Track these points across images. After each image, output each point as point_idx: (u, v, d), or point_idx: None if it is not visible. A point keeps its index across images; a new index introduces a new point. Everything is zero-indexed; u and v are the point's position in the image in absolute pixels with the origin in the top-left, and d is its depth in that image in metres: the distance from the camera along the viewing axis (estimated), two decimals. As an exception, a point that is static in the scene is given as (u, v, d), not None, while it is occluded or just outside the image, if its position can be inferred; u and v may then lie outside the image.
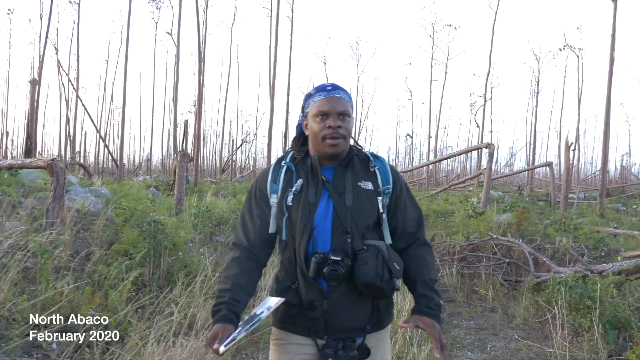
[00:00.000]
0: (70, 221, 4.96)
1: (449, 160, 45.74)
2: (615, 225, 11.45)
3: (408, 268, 1.52)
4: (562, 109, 43.66)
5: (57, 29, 33.16)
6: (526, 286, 4.93)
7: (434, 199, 16.85)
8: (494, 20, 24.27)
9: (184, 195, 9.23)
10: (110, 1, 75.51)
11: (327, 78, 39.99)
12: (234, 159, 32.60)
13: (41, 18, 34.27)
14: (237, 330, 1.35)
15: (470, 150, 14.85)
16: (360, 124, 44.06)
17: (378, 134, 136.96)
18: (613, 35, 17.73)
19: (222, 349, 1.28)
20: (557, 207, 15.62)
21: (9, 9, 44.33)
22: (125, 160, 37.36)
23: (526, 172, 29.00)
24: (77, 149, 34.36)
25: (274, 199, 1.52)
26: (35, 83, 19.07)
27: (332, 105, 1.47)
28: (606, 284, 3.99)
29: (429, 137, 36.40)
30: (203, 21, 25.37)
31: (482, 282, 5.43)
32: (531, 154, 34.75)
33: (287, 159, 1.58)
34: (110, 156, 25.94)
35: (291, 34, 25.79)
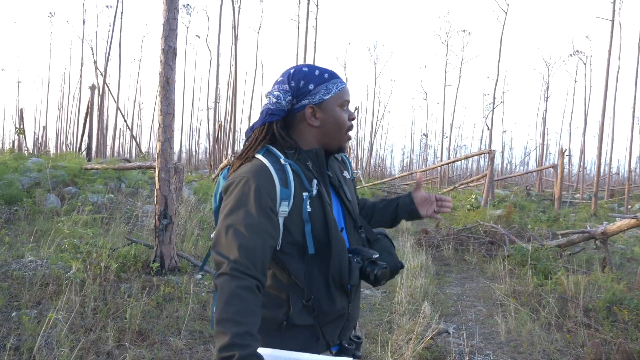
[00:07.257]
0: (192, 206, 7.37)
1: (462, 160, 47.84)
2: (605, 222, 13.62)
3: (380, 212, 1.56)
4: (572, 113, 45.28)
5: (96, 32, 35.94)
6: (499, 255, 7.18)
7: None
8: (502, 32, 26.32)
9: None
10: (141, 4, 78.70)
11: (347, 81, 42.28)
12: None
13: (84, 23, 37.09)
14: None
15: (474, 155, 17.08)
16: (377, 123, 46.31)
17: (393, 132, 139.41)
18: (609, 52, 19.71)
19: None
20: (562, 206, 17.62)
21: (50, 12, 47.50)
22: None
23: (536, 172, 30.93)
24: (109, 144, 37.21)
25: (284, 207, 1.20)
26: (94, 88, 21.75)
27: (349, 97, 1.34)
28: (546, 250, 6.25)
29: (443, 136, 38.50)
30: (234, 28, 27.95)
31: (470, 254, 7.70)
32: (540, 155, 36.65)
33: (282, 157, 1.25)
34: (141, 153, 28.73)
35: (315, 42, 28.12)
